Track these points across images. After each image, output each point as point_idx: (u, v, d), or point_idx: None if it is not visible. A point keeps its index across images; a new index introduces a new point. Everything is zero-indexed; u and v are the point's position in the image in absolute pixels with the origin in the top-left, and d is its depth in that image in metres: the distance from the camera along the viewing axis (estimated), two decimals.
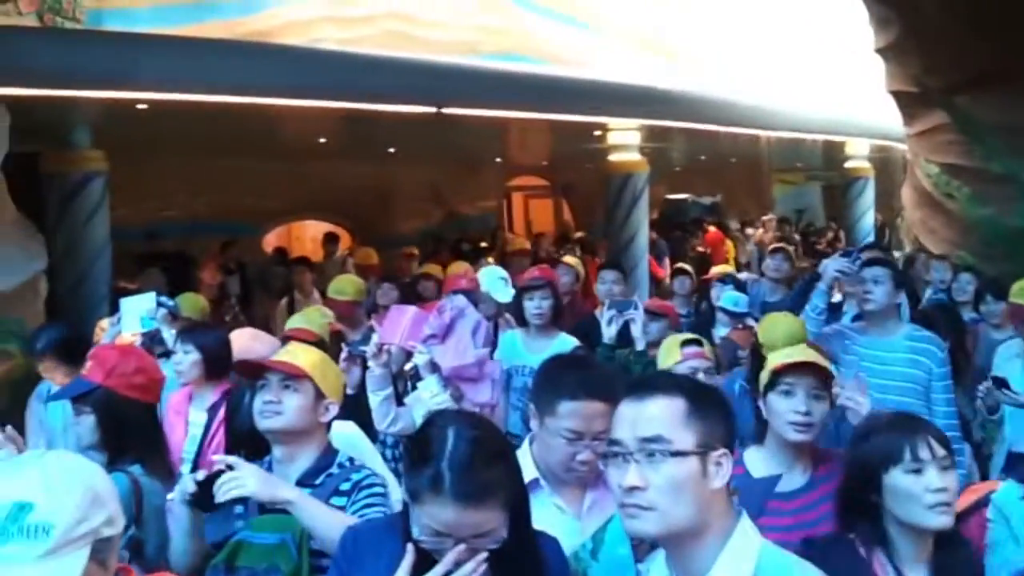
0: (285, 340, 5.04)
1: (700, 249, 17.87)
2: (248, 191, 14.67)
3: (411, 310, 4.79)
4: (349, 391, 4.63)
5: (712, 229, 19.24)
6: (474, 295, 6.46)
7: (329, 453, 3.06)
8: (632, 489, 1.89)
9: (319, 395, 3.03)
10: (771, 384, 3.17)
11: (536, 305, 5.41)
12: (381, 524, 2.50)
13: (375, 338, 4.59)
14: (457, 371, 4.58)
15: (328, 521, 2.72)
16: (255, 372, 3.12)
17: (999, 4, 8.26)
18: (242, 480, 2.71)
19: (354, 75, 9.83)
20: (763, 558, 1.96)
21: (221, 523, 2.84)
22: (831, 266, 5.31)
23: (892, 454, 2.56)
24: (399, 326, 4.65)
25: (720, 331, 6.15)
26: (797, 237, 20.64)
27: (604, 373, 2.86)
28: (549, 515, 2.68)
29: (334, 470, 2.99)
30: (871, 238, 18.27)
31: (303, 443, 3.01)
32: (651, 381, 2.06)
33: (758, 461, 3.21)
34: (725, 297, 6.35)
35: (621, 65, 15.93)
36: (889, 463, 2.56)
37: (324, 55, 10.87)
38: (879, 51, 10.33)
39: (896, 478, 2.55)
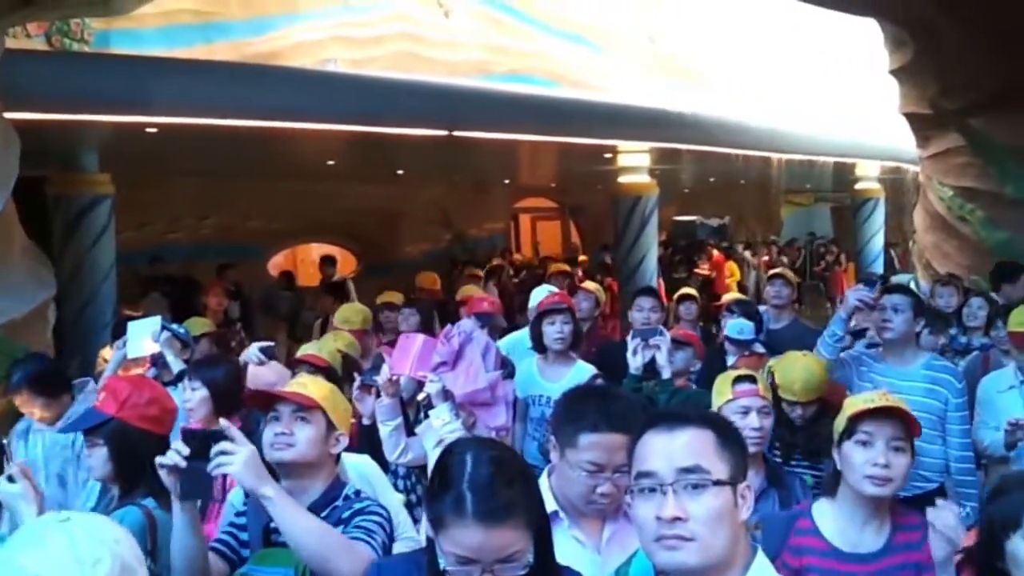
0: (294, 364, 5.02)
1: (703, 272, 17.78)
2: (254, 214, 14.67)
3: (419, 338, 4.76)
4: (365, 421, 4.59)
5: (715, 252, 19.15)
6: (494, 319, 6.43)
7: (337, 486, 3.01)
8: (674, 520, 1.85)
9: (330, 427, 2.99)
10: (847, 432, 2.95)
11: (558, 329, 5.36)
12: (405, 559, 2.48)
13: (385, 369, 4.54)
14: (470, 396, 4.53)
15: (301, 525, 2.69)
16: (265, 403, 3.07)
17: (1015, 26, 8.24)
18: (232, 458, 2.67)
19: (365, 98, 9.80)
20: None
21: (191, 476, 2.72)
22: (851, 295, 5.21)
23: (1012, 518, 2.36)
24: (408, 355, 4.61)
25: (728, 359, 6.06)
26: (784, 260, 20.56)
27: (626, 404, 2.78)
28: (568, 548, 2.63)
29: (339, 503, 2.95)
30: (880, 260, 18.21)
31: (313, 475, 2.96)
32: (678, 413, 2.04)
33: (828, 516, 3.02)
34: (729, 326, 6.24)
35: (632, 87, 15.95)
36: (1010, 529, 2.36)
37: (334, 78, 10.87)
38: (893, 72, 10.30)
39: (1017, 545, 2.35)
